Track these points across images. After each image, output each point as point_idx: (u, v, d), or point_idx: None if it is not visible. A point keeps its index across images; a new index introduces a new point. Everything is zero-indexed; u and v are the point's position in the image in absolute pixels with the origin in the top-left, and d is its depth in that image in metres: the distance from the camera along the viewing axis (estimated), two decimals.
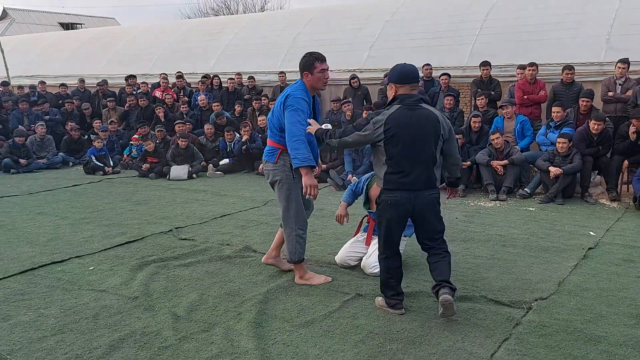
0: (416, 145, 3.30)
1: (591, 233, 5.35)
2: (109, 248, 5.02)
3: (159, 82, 12.00)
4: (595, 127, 6.86)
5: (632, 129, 6.54)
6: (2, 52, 16.35)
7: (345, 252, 4.43)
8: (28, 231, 5.68)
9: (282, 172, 3.88)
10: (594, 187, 7.07)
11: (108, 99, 11.88)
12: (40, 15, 38.08)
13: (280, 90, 11.14)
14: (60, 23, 37.62)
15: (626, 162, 6.66)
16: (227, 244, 5.07)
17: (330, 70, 12.63)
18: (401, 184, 3.31)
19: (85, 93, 12.91)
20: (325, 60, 3.87)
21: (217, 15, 33.80)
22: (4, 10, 36.31)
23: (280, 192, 3.93)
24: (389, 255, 3.48)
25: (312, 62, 3.80)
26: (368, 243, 4.36)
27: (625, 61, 7.50)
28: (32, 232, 5.63)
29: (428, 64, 9.45)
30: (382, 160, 3.38)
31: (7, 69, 16.24)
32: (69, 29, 35.80)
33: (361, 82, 10.31)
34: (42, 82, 13.11)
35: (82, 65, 15.66)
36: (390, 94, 3.47)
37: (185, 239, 5.26)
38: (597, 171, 7.16)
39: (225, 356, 2.99)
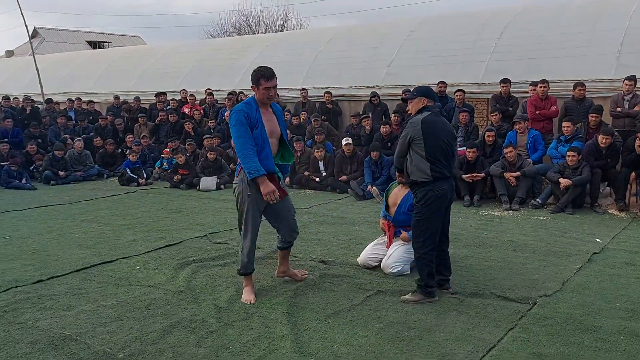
0: (446, 142, 3.98)
1: (597, 240, 5.69)
2: (152, 250, 5.53)
3: (186, 99, 12.65)
4: (604, 140, 7.22)
5: (637, 142, 6.88)
6: (38, 70, 17.29)
7: (366, 254, 4.86)
8: (76, 236, 6.23)
9: (240, 186, 4.02)
10: (603, 198, 7.39)
11: (139, 115, 12.54)
12: (69, 33, 39.49)
13: (302, 106, 11.67)
14: (87, 41, 38.94)
15: (633, 174, 6.99)
16: (257, 247, 5.50)
17: (350, 87, 13.12)
18: (444, 174, 3.95)
19: (120, 109, 13.61)
20: (272, 77, 3.93)
21: (239, 33, 34.77)
22: (34, 29, 37.76)
23: (239, 205, 4.07)
24: (434, 247, 4.04)
25: (257, 78, 3.92)
26: (389, 246, 4.79)
27: (632, 78, 7.85)
28: (80, 237, 6.17)
29: (443, 82, 9.88)
30: (423, 157, 3.93)
31: (41, 87, 17.15)
32: (96, 47, 37.09)
33: (381, 98, 10.79)
34: (79, 99, 13.88)
35: (113, 82, 16.43)
36: (419, 106, 4.09)
37: (220, 243, 5.74)
38: (606, 183, 7.48)
39: (264, 339, 3.44)
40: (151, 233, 6.28)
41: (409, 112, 4.25)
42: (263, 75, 3.91)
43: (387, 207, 4.88)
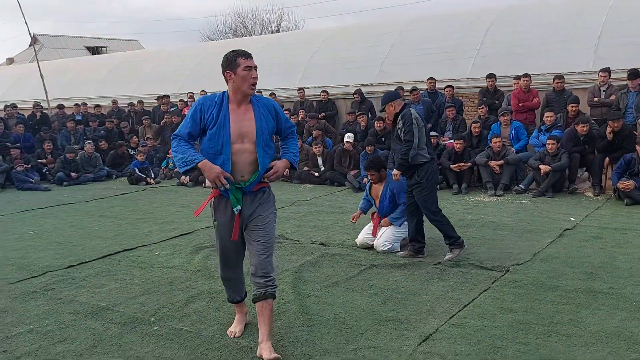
0: (426, 131, 4.90)
1: (572, 218, 6.27)
2: (167, 239, 6.10)
3: (186, 102, 13.26)
4: (582, 128, 7.80)
5: (608, 129, 7.47)
6: (42, 77, 17.84)
7: (363, 235, 5.45)
8: (96, 229, 6.80)
9: (210, 200, 3.34)
10: (582, 182, 7.98)
11: (143, 118, 13.11)
12: (68, 39, 40.00)
13: (300, 105, 12.24)
14: (86, 47, 39.48)
15: (607, 159, 7.57)
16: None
17: (345, 85, 13.75)
18: (432, 155, 4.87)
19: (120, 112, 14.21)
20: (251, 57, 3.13)
21: (235, 34, 35.35)
22: (33, 36, 38.27)
23: None
24: (441, 210, 4.88)
25: (234, 58, 3.09)
26: (374, 234, 5.39)
27: (606, 70, 8.44)
28: (100, 230, 6.74)
29: (432, 78, 10.46)
30: (422, 143, 4.75)
31: (46, 92, 17.69)
32: (95, 52, 37.66)
33: (373, 96, 11.39)
34: (84, 104, 14.46)
35: (115, 86, 16.99)
36: (397, 107, 4.84)
37: None
38: (584, 168, 8.07)
39: (275, 305, 4.00)
40: (165, 225, 6.84)
41: (387, 117, 4.94)
42: (239, 54, 3.11)
43: (373, 200, 5.58)
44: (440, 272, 4.55)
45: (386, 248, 5.18)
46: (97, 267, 5.16)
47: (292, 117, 11.55)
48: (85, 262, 5.30)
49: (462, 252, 4.83)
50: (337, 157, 9.61)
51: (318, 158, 9.97)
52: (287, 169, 3.34)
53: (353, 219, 5.63)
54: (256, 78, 3.12)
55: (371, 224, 5.55)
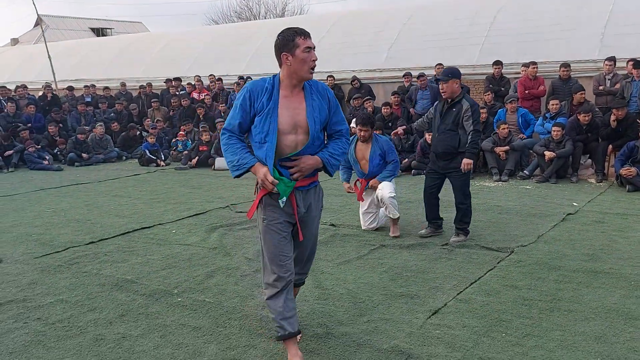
0: None
1: (574, 204, 6.46)
2: (182, 218, 6.30)
3: (194, 85, 13.40)
4: (584, 118, 7.95)
5: (612, 117, 7.62)
6: (50, 59, 17.94)
7: (363, 221, 5.62)
8: (112, 208, 7.00)
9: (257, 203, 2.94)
10: (585, 169, 8.15)
11: (152, 100, 13.27)
12: (72, 21, 39.93)
13: None
14: (91, 28, 39.45)
15: (610, 146, 7.73)
16: None
17: (352, 70, 13.86)
18: None
19: (128, 95, 14.36)
20: (310, 36, 2.81)
21: (240, 18, 35.29)
22: (38, 17, 38.17)
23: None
24: None
25: (291, 37, 2.76)
26: (362, 199, 5.50)
27: (612, 59, 8.56)
28: (116, 208, 6.95)
29: (440, 64, 10.57)
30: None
31: (54, 74, 17.82)
32: (99, 34, 37.65)
33: (381, 81, 11.52)
34: (93, 86, 14.60)
35: (123, 69, 17.11)
36: (458, 87, 4.94)
37: (241, 212, 6.51)
38: (588, 155, 8.23)
39: None
40: (179, 205, 7.04)
41: (444, 92, 4.93)
42: (297, 32, 2.78)
43: (357, 163, 5.51)
44: (448, 253, 4.75)
45: (393, 194, 5.28)
46: (117, 243, 5.38)
47: None
48: (105, 239, 5.52)
49: (467, 238, 5.05)
50: None
51: None
52: (314, 168, 2.86)
53: (349, 189, 5.64)
54: (316, 60, 2.80)
55: (361, 206, 5.60)
